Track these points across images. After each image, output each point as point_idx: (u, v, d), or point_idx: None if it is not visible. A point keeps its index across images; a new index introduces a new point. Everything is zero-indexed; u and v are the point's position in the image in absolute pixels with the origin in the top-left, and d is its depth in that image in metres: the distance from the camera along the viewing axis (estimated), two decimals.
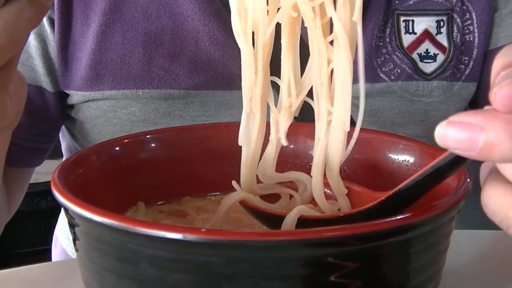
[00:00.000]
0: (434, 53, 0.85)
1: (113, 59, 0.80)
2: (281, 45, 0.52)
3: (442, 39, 0.85)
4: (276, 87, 0.54)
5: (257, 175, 0.56)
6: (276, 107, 0.54)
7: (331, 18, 0.50)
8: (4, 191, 0.85)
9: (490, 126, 0.36)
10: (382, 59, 0.84)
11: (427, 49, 0.84)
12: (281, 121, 0.53)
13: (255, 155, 0.54)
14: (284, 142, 0.54)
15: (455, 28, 0.85)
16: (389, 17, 0.84)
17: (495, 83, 0.37)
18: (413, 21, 0.84)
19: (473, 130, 0.36)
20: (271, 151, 0.55)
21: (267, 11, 0.51)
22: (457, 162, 0.41)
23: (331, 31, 0.50)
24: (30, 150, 0.86)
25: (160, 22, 0.80)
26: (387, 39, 0.84)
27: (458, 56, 0.85)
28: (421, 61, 0.84)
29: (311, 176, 0.54)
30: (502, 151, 0.36)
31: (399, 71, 0.84)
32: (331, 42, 0.51)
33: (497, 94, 0.36)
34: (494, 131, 0.36)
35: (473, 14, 0.85)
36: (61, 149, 0.96)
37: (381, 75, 0.83)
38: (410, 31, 0.84)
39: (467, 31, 0.85)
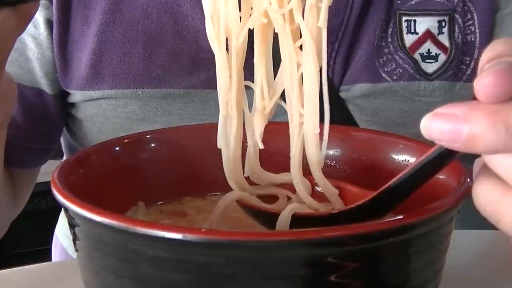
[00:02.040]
0: (435, 53, 0.84)
1: (113, 59, 0.80)
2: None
3: (444, 39, 0.85)
4: (251, 91, 0.55)
5: (248, 177, 0.56)
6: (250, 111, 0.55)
7: None
8: (10, 190, 0.85)
9: (474, 117, 0.36)
10: (384, 59, 0.83)
11: (428, 49, 0.84)
12: (256, 124, 0.55)
13: (235, 157, 0.55)
14: (261, 145, 0.54)
15: (456, 28, 0.85)
16: (391, 17, 0.84)
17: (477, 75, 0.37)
18: (415, 21, 0.84)
19: (457, 121, 0.36)
20: (251, 152, 0.56)
21: (240, 17, 0.52)
22: (445, 155, 0.41)
23: (301, 35, 0.51)
24: (31, 150, 0.86)
25: (160, 21, 0.80)
26: (389, 39, 0.84)
27: (459, 56, 0.85)
28: (423, 61, 0.84)
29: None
30: (486, 141, 0.36)
31: (401, 71, 0.84)
32: (301, 47, 0.52)
33: (478, 84, 0.36)
34: (478, 121, 0.36)
35: (475, 14, 0.85)
36: (61, 149, 0.96)
37: (383, 75, 0.83)
38: (412, 31, 0.84)
39: (468, 31, 0.85)
